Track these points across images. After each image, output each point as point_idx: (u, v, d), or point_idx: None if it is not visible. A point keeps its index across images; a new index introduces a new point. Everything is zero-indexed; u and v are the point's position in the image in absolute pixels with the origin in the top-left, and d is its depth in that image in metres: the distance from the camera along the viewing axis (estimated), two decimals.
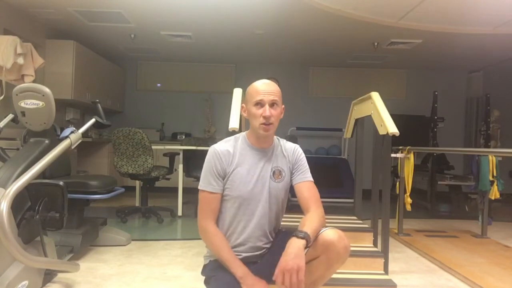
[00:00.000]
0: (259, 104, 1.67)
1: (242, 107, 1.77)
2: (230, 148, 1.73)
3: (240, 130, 2.77)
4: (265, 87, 1.69)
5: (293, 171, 1.79)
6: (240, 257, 1.70)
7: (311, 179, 1.79)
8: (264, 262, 1.73)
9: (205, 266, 1.80)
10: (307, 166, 1.82)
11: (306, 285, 1.60)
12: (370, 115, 2.88)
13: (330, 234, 1.56)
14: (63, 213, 2.25)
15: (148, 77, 7.49)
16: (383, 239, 2.66)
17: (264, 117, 1.65)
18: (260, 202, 1.72)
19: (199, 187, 1.72)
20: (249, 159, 1.73)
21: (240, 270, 1.61)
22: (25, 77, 4.16)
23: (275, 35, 5.53)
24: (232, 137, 1.80)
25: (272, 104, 1.67)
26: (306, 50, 6.33)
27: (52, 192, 2.24)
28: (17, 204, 2.04)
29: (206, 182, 1.71)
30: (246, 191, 1.70)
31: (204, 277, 1.78)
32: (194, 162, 5.10)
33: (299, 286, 1.41)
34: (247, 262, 1.70)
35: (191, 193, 5.58)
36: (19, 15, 4.69)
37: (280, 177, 1.75)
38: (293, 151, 1.82)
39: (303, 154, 1.84)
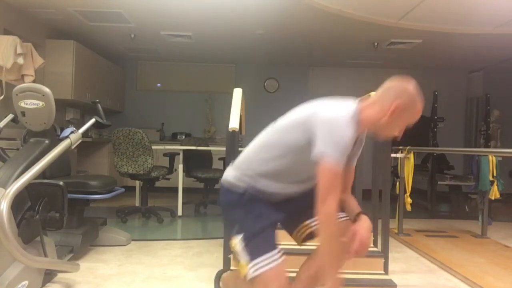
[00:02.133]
0: (406, 124, 1.63)
1: (395, 104, 1.56)
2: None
3: (240, 131, 2.77)
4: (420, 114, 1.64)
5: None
6: (279, 196, 1.65)
7: None
8: (297, 199, 1.71)
9: (237, 193, 1.64)
10: None
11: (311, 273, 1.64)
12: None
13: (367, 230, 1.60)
14: (63, 213, 2.25)
15: (148, 77, 7.49)
16: (383, 239, 2.66)
17: (394, 136, 1.64)
18: None
19: (330, 161, 1.44)
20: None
21: (338, 278, 1.54)
22: (25, 77, 4.16)
23: (275, 35, 5.53)
24: (350, 112, 1.53)
25: None
26: (306, 50, 6.33)
27: (52, 192, 2.24)
28: (17, 204, 2.04)
29: (342, 157, 1.46)
30: None
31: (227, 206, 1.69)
32: (194, 162, 5.10)
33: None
34: (282, 199, 1.67)
35: (191, 193, 5.62)
36: (19, 15, 4.69)
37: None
38: None
39: None
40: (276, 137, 1.64)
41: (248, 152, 1.71)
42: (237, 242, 1.56)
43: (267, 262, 1.49)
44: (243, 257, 1.53)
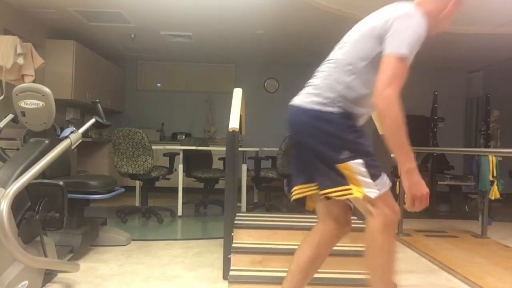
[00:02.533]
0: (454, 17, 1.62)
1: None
2: None
3: (240, 131, 2.77)
4: None
5: None
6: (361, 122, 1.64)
7: None
8: None
9: (336, 114, 1.56)
10: None
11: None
12: (370, 115, 2.87)
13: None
14: (63, 213, 2.25)
15: (148, 77, 7.50)
16: None
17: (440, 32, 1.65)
18: None
19: (402, 53, 1.43)
20: None
21: (413, 162, 1.48)
22: (25, 77, 4.16)
23: (275, 35, 5.53)
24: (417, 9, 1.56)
25: None
26: (306, 50, 6.32)
27: (52, 192, 2.24)
28: (17, 204, 2.04)
29: (412, 51, 1.46)
30: None
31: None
32: (194, 162, 5.10)
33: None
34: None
35: (191, 193, 5.61)
36: (19, 15, 4.69)
37: None
38: None
39: None
40: (353, 52, 1.61)
41: (328, 74, 1.69)
42: (353, 164, 1.50)
43: (386, 181, 1.55)
44: (364, 178, 1.50)
